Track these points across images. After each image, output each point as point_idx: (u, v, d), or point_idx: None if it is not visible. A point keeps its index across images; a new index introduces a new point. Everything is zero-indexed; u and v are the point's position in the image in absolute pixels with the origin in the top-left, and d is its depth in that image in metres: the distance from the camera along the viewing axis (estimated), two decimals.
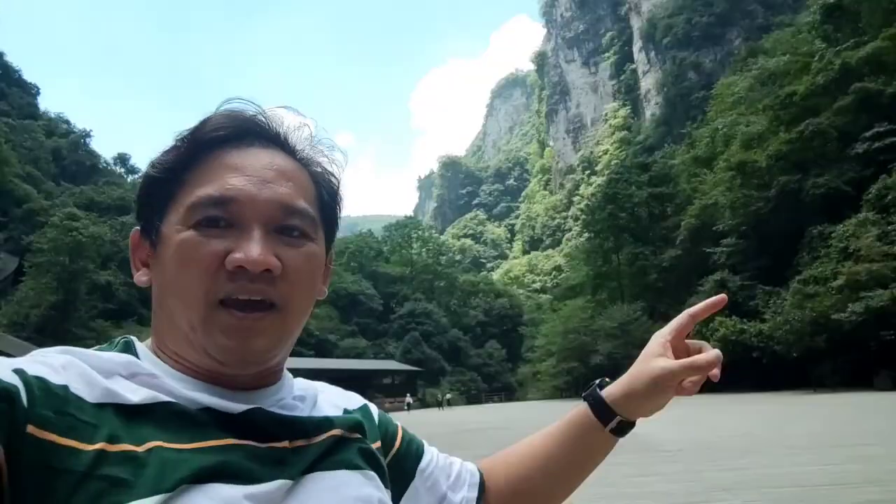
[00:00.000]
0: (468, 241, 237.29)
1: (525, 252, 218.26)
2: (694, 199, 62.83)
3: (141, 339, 0.74)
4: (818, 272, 42.20)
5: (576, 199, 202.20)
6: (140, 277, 0.74)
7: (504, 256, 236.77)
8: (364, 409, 0.91)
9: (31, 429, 0.55)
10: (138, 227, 0.75)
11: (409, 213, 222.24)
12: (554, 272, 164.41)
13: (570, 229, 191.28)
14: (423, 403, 65.83)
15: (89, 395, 0.61)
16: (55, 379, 0.59)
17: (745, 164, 50.24)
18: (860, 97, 44.96)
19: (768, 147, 49.43)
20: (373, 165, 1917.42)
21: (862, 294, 35.46)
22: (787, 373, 44.29)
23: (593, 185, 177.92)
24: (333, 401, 0.88)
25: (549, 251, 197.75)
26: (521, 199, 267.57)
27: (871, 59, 46.46)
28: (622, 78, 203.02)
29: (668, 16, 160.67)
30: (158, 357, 0.71)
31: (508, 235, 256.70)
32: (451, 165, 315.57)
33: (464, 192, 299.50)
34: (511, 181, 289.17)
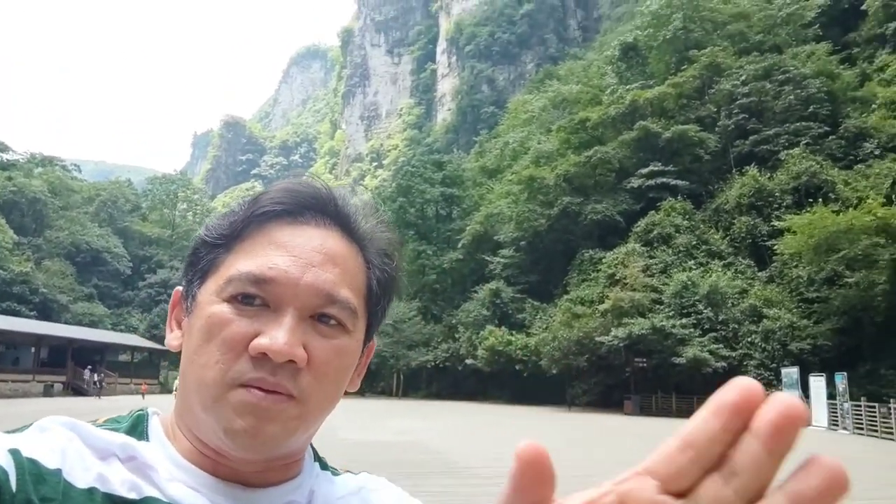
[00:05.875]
0: None
1: None
2: (481, 206, 63.34)
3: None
4: (585, 294, 43.85)
5: (359, 188, 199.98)
6: (171, 341, 0.72)
7: None
8: None
9: None
10: (181, 286, 0.73)
11: (178, 169, 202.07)
12: None
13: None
14: (165, 388, 57.59)
15: (81, 480, 0.59)
16: (49, 462, 0.58)
17: (534, 180, 51.13)
18: (642, 135, 47.90)
19: (557, 167, 50.80)
20: (141, 108, 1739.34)
21: (625, 320, 36.92)
22: (545, 388, 45.49)
23: (379, 178, 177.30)
24: None
25: None
26: None
27: (654, 102, 49.93)
28: (422, 76, 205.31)
29: (475, 24, 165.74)
30: (176, 430, 0.69)
31: None
32: (233, 127, 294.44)
33: (244, 158, 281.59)
34: (296, 157, 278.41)
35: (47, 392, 42.89)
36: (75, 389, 45.34)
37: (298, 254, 0.66)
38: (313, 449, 0.77)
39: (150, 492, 0.61)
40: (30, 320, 49.59)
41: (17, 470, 0.55)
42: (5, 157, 76.82)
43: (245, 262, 0.66)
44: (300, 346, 0.63)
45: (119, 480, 0.61)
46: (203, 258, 0.70)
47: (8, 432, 0.61)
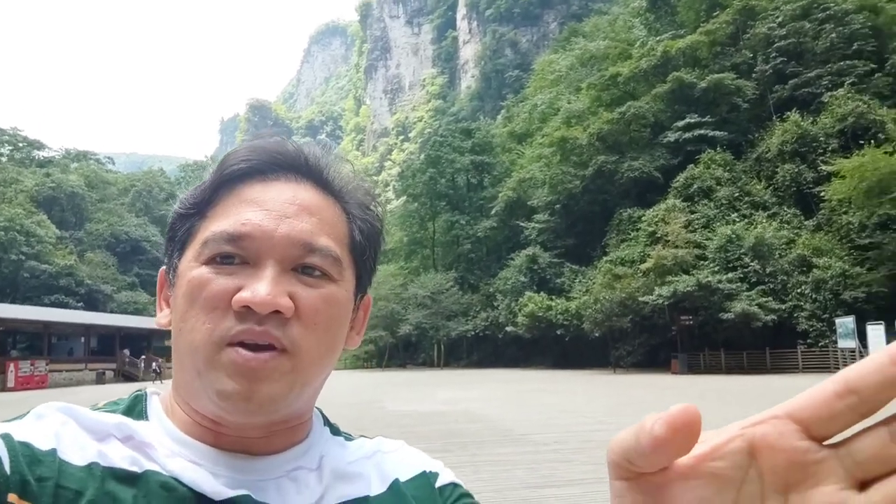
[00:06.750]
0: None
1: None
2: (512, 171, 62.44)
3: None
4: (626, 254, 42.92)
5: (387, 163, 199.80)
6: (160, 319, 0.70)
7: None
8: (419, 480, 0.73)
9: (12, 497, 0.53)
10: (165, 266, 0.73)
11: (209, 156, 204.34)
12: None
13: (379, 195, 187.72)
14: None
15: (78, 458, 0.58)
16: (43, 444, 0.58)
17: (566, 141, 49.94)
18: (676, 86, 46.23)
19: (589, 126, 49.51)
20: (167, 98, 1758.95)
21: (668, 278, 36.06)
22: (588, 351, 45.00)
23: (406, 152, 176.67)
24: (384, 468, 0.73)
25: None
26: None
27: (687, 51, 48.07)
28: (443, 44, 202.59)
29: None
30: (174, 405, 0.68)
31: None
32: (259, 110, 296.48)
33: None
34: (323, 136, 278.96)
35: (99, 379, 43.98)
36: (126, 376, 46.43)
37: (271, 207, 0.65)
38: (323, 415, 0.75)
39: (151, 466, 0.61)
40: (78, 311, 50.92)
41: (9, 453, 0.55)
42: (42, 154, 78.34)
43: (218, 223, 0.64)
44: (285, 296, 0.61)
45: (119, 456, 0.60)
46: (179, 230, 0.69)
47: (5, 421, 0.61)
